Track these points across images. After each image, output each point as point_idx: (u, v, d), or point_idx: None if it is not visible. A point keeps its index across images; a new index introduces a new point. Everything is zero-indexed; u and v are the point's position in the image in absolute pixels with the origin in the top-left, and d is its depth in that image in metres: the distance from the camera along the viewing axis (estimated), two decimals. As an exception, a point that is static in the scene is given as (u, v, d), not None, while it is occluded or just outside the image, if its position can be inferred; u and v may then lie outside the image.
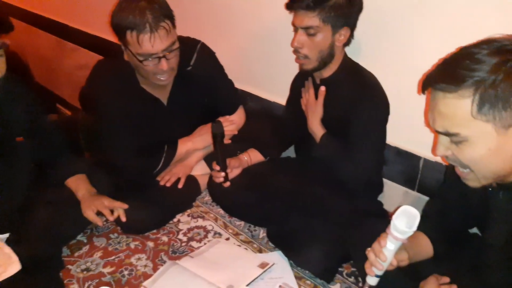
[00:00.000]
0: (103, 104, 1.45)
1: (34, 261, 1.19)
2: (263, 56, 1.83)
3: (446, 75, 0.76)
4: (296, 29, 1.29)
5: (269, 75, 1.85)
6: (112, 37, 2.52)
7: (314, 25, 1.23)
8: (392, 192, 1.52)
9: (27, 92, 1.34)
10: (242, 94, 1.89)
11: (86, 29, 2.76)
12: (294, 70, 1.57)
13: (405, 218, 0.87)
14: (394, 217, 0.88)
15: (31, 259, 1.18)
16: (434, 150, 0.88)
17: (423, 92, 0.83)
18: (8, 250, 1.15)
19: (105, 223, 1.47)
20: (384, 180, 1.51)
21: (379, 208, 1.46)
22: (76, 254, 1.36)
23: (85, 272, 1.29)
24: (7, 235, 1.21)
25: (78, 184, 1.37)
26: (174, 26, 1.34)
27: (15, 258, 1.14)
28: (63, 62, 3.00)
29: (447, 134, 0.80)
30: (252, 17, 1.80)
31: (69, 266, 1.31)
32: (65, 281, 1.25)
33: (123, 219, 1.36)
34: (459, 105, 0.75)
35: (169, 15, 1.31)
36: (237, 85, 1.77)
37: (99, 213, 1.36)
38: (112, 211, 1.37)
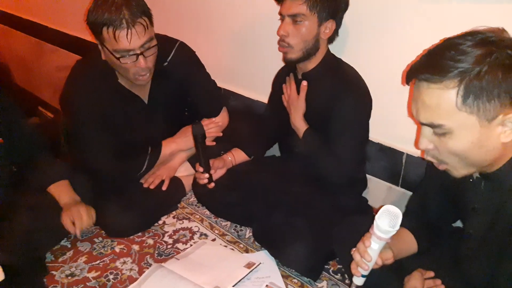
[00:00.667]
0: (80, 107, 1.42)
1: (16, 268, 1.17)
2: (245, 55, 1.83)
3: (431, 65, 0.76)
4: (282, 18, 1.29)
5: (251, 74, 1.85)
6: (91, 38, 2.49)
7: (301, 13, 1.24)
8: (376, 188, 1.53)
9: (1, 94, 1.30)
10: (224, 93, 1.88)
11: (65, 30, 2.71)
12: (276, 68, 1.57)
13: (388, 218, 0.89)
14: (376, 217, 0.90)
15: (14, 266, 1.16)
16: (416, 143, 0.88)
17: (407, 83, 0.83)
18: (-10, 260, 1.12)
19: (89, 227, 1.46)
20: (368, 176, 1.53)
21: (363, 204, 1.48)
22: (60, 259, 1.34)
23: (69, 278, 1.27)
24: (-13, 243, 1.18)
25: (61, 191, 1.34)
26: (151, 23, 1.32)
27: None
28: (43, 64, 2.95)
29: (430, 125, 0.80)
30: (232, 16, 1.79)
31: (53, 272, 1.29)
32: (49, 287, 1.23)
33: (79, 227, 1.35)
34: (444, 96, 0.75)
35: (146, 12, 1.29)
36: (219, 84, 1.76)
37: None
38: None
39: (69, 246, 1.40)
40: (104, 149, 1.44)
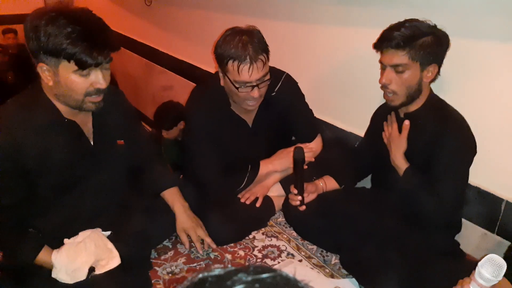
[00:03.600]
0: (197, 126, 1.62)
1: (129, 259, 1.32)
2: (341, 87, 1.91)
3: None
4: (384, 67, 1.35)
5: (346, 106, 1.92)
6: (196, 62, 2.76)
7: (403, 63, 1.28)
8: (470, 233, 1.49)
9: (123, 99, 1.49)
10: (318, 123, 1.97)
11: (174, 54, 3.02)
12: (372, 102, 1.63)
13: (492, 267, 0.90)
14: (480, 264, 0.91)
15: (127, 257, 1.32)
16: None
17: None
18: (110, 245, 1.29)
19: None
20: (462, 220, 1.49)
21: (455, 247, 1.44)
22: (162, 257, 1.50)
23: (170, 275, 1.41)
24: (109, 232, 1.36)
25: (174, 199, 1.50)
26: (268, 59, 1.48)
27: (116, 253, 1.28)
28: (150, 83, 3.30)
29: None
30: (332, 50, 1.89)
31: (156, 268, 1.44)
32: (153, 281, 1.38)
33: (208, 246, 1.50)
34: None
35: (266, 50, 1.46)
36: (314, 114, 1.86)
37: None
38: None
39: (170, 246, 1.55)
40: (212, 165, 1.61)
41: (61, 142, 1.22)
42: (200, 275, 0.41)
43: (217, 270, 0.41)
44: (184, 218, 1.48)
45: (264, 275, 0.39)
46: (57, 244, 1.23)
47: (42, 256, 1.19)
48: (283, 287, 0.38)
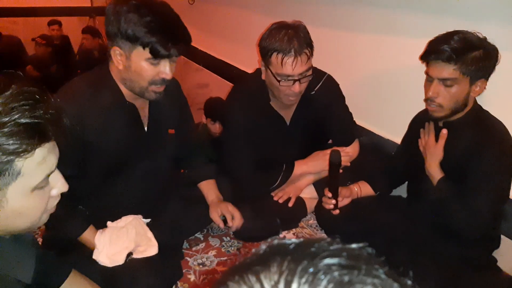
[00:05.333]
0: (235, 122, 1.64)
1: (162, 248, 1.35)
2: (381, 94, 1.89)
3: None
4: (430, 79, 1.30)
5: (385, 113, 1.90)
6: (233, 62, 2.79)
7: (452, 77, 1.24)
8: (509, 250, 1.44)
9: (179, 89, 1.52)
10: (357, 128, 1.95)
11: (211, 53, 3.07)
12: (411, 110, 1.60)
13: None
14: None
15: (161, 245, 1.34)
16: None
17: None
18: (150, 234, 1.31)
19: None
20: (502, 236, 1.45)
21: (492, 264, 1.40)
22: (193, 248, 1.52)
23: (200, 266, 1.43)
24: (149, 220, 1.38)
25: (210, 189, 1.54)
26: (312, 54, 1.48)
27: (154, 242, 1.30)
28: (186, 80, 3.36)
29: None
30: (374, 57, 1.88)
31: (187, 258, 1.47)
32: (183, 271, 1.40)
33: (236, 223, 1.49)
34: None
35: (310, 44, 1.46)
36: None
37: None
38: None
39: (202, 239, 1.58)
40: (248, 161, 1.62)
41: (119, 123, 1.26)
42: (276, 241, 0.39)
43: (290, 240, 0.39)
44: (216, 201, 1.51)
45: (354, 245, 0.37)
46: (98, 225, 1.26)
47: (87, 234, 1.23)
48: (368, 260, 0.36)
